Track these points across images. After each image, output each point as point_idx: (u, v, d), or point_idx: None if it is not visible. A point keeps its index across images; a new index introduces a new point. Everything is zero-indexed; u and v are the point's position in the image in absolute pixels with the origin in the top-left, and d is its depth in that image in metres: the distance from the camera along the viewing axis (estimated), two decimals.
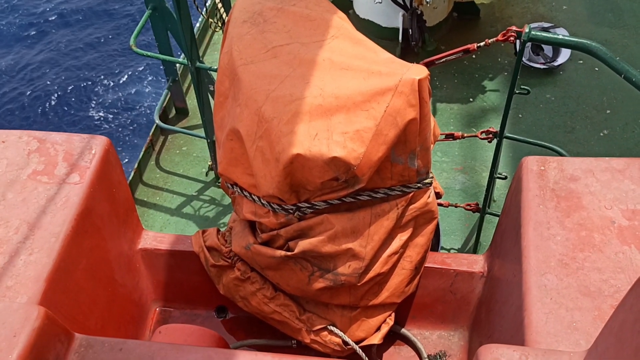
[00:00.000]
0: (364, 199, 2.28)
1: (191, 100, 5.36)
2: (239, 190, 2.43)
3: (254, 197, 2.36)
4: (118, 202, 2.53)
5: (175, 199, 4.83)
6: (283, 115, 2.13)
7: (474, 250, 4.29)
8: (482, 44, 3.38)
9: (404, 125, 2.08)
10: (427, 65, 3.64)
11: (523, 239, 2.15)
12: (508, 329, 2.12)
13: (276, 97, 2.16)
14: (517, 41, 3.24)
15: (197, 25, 5.86)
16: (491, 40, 3.35)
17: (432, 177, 2.39)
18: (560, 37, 3.29)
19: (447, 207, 4.13)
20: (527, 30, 3.14)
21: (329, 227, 2.27)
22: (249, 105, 2.22)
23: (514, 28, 3.27)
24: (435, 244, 3.56)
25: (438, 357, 2.61)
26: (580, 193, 2.24)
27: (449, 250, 4.46)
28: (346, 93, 2.10)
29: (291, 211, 2.29)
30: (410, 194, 2.32)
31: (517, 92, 3.50)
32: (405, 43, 5.62)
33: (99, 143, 2.43)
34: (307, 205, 2.27)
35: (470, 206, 4.05)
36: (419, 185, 2.32)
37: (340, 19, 2.40)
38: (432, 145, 2.59)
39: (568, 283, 2.01)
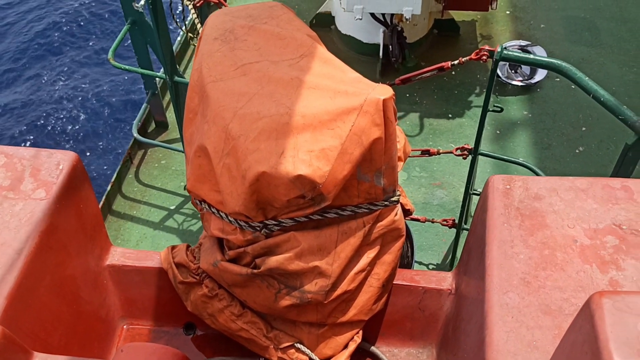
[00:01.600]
0: (331, 216, 2.28)
1: (171, 114, 5.36)
2: (207, 207, 2.43)
3: (221, 214, 2.36)
4: (85, 218, 2.52)
5: (153, 212, 4.81)
6: (250, 132, 2.14)
7: (451, 266, 4.31)
8: (456, 62, 3.43)
9: (369, 144, 2.10)
10: (403, 82, 3.69)
11: (487, 257, 2.17)
12: (472, 347, 2.13)
13: (243, 114, 2.17)
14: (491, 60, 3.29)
15: (178, 39, 5.88)
16: (465, 58, 3.40)
17: (400, 195, 2.40)
18: (532, 57, 3.34)
19: (424, 222, 4.16)
20: (499, 49, 3.19)
21: (295, 244, 2.28)
22: (217, 123, 2.23)
23: (486, 47, 3.32)
24: (409, 259, 3.57)
25: None
26: (545, 212, 2.27)
27: (427, 265, 4.47)
28: (313, 112, 2.11)
29: (258, 228, 2.29)
30: (377, 212, 2.33)
31: (490, 109, 3.55)
32: (386, 59, 5.68)
33: (66, 158, 2.42)
34: (274, 222, 2.27)
35: (447, 222, 4.08)
36: (385, 203, 2.33)
37: (310, 37, 2.42)
38: (401, 163, 2.61)
39: (529, 301, 2.02)
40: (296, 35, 2.40)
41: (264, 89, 2.22)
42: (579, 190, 2.33)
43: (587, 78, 3.08)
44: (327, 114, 2.09)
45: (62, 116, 7.78)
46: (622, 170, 2.99)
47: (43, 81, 8.35)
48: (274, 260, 2.29)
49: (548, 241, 2.18)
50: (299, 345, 2.49)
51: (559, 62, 3.18)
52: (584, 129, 5.25)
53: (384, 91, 2.11)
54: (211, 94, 2.28)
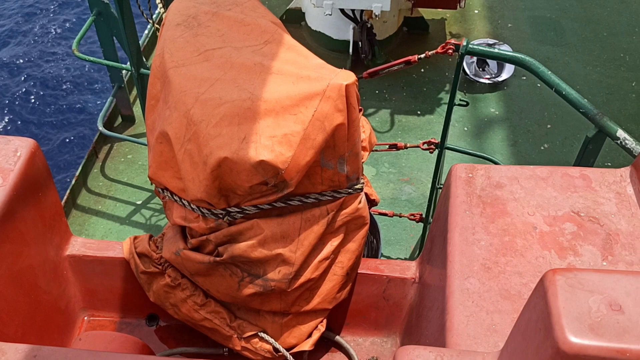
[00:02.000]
0: (295, 204, 2.27)
1: (138, 108, 5.29)
2: (169, 195, 2.40)
3: (183, 201, 2.33)
4: (44, 206, 2.46)
5: (119, 207, 4.74)
6: (212, 118, 2.12)
7: None
8: (422, 55, 3.46)
9: (332, 129, 2.10)
10: (371, 75, 3.70)
11: (449, 244, 2.18)
12: (433, 332, 2.14)
13: (205, 100, 2.15)
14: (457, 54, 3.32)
15: (146, 32, 5.80)
16: (431, 52, 3.42)
17: (364, 183, 2.41)
18: (496, 50, 3.39)
19: (392, 217, 4.18)
20: (464, 43, 3.22)
21: (258, 232, 2.26)
22: (178, 108, 2.20)
23: (452, 41, 3.35)
24: (376, 251, 3.58)
25: None
26: (505, 200, 2.29)
27: (395, 259, 4.49)
28: (275, 97, 2.10)
29: (221, 216, 2.27)
30: (341, 199, 2.33)
31: (456, 103, 3.59)
32: (356, 55, 5.70)
33: (24, 145, 2.37)
34: (237, 210, 2.25)
35: (415, 216, 4.11)
36: (349, 190, 2.33)
37: (274, 24, 2.41)
38: (367, 153, 2.62)
39: (489, 287, 2.04)
40: (260, 22, 2.39)
41: (227, 74, 2.20)
42: (539, 179, 2.36)
43: (549, 72, 3.14)
44: (289, 99, 2.08)
45: (26, 108, 7.61)
46: (583, 162, 3.05)
47: (7, 71, 8.15)
48: (236, 248, 2.27)
49: (508, 228, 2.21)
50: (262, 335, 2.47)
51: (522, 56, 3.23)
52: (549, 126, 5.35)
53: (347, 77, 2.11)
54: (173, 79, 2.25)
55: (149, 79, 2.42)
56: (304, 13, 6.10)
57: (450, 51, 3.35)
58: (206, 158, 2.10)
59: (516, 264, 2.10)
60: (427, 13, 6.19)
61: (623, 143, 2.86)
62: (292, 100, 2.08)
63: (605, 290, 1.32)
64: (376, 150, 4.21)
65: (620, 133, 2.88)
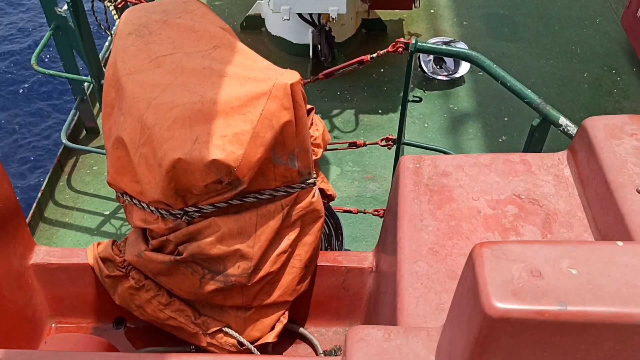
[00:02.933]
0: (251, 200, 2.36)
1: (101, 120, 5.31)
2: (129, 199, 2.47)
3: (142, 204, 2.40)
4: (5, 217, 2.50)
5: (86, 218, 4.76)
6: (164, 121, 2.20)
7: None
8: (374, 55, 3.58)
9: (280, 127, 2.19)
10: (326, 76, 3.82)
11: (399, 232, 2.29)
12: (387, 316, 2.24)
13: (158, 104, 2.23)
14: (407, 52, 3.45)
15: (107, 44, 5.83)
16: (382, 51, 3.55)
17: (316, 177, 2.50)
18: (443, 47, 3.53)
19: (357, 213, 4.29)
20: (413, 41, 3.35)
21: (216, 229, 2.34)
22: (132, 114, 2.27)
23: (402, 40, 3.48)
24: (339, 248, 3.68)
25: (333, 352, 2.71)
26: (451, 187, 2.41)
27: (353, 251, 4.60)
28: (224, 98, 2.19)
29: (179, 216, 2.34)
30: (295, 194, 2.42)
31: (410, 100, 3.72)
32: (316, 59, 5.80)
33: None
34: (194, 209, 2.33)
35: (378, 212, 4.22)
36: (302, 185, 2.42)
37: (223, 30, 2.50)
38: (320, 150, 2.71)
39: (437, 269, 2.15)
40: (209, 28, 2.48)
41: (178, 79, 2.29)
42: (483, 166, 2.48)
43: (495, 66, 3.28)
44: (238, 100, 2.17)
45: None
46: (530, 150, 3.20)
47: None
48: (196, 246, 2.35)
49: (454, 213, 2.33)
50: (226, 329, 2.55)
51: (469, 51, 3.37)
52: (506, 119, 5.52)
53: (291, 76, 2.21)
54: (126, 86, 2.32)
55: (104, 87, 2.48)
56: (263, 19, 6.19)
57: (400, 50, 3.48)
58: (161, 160, 2.18)
59: (462, 246, 2.22)
60: (385, 15, 6.34)
61: (565, 129, 3.01)
62: (241, 101, 2.17)
63: (527, 259, 1.44)
64: (338, 149, 4.32)
65: (563, 120, 3.03)
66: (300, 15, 5.55)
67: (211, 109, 2.17)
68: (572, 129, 3.00)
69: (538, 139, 3.22)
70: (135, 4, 3.60)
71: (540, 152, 3.20)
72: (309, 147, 2.38)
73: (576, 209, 2.32)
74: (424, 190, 2.41)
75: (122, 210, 4.81)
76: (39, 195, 4.73)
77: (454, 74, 5.79)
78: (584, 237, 2.23)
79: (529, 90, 3.14)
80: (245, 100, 2.17)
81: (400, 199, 2.40)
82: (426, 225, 2.29)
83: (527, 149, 3.23)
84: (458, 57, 3.52)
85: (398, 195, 2.42)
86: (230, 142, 2.14)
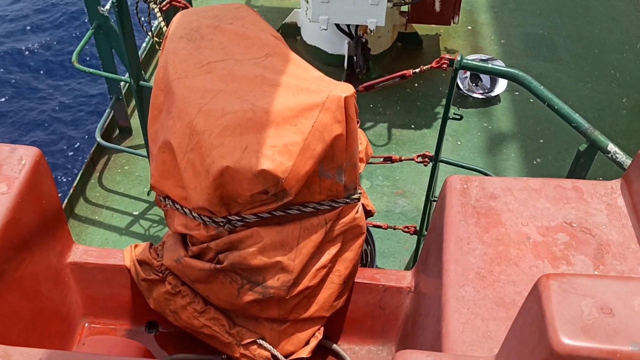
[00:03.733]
0: (294, 213, 2.33)
1: (135, 120, 5.34)
2: (171, 203, 2.44)
3: (185, 209, 2.38)
4: (47, 214, 2.50)
5: (116, 217, 4.77)
6: (214, 128, 2.17)
7: None
8: (417, 70, 3.54)
9: (331, 140, 2.16)
10: (366, 89, 3.77)
11: (444, 253, 2.24)
12: (429, 339, 2.19)
13: (208, 110, 2.21)
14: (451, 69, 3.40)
15: (144, 45, 5.87)
16: (426, 67, 3.50)
17: (361, 193, 2.46)
18: (490, 66, 3.48)
19: (386, 229, 4.23)
20: (459, 58, 3.31)
21: (258, 240, 2.31)
22: (182, 118, 2.25)
23: (447, 56, 3.43)
24: (370, 261, 3.63)
25: None
26: (500, 210, 2.35)
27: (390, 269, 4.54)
28: (276, 108, 2.16)
29: (221, 224, 2.31)
30: (339, 209, 2.38)
31: (450, 117, 3.66)
32: (350, 70, 5.79)
33: (29, 154, 2.41)
34: (237, 218, 2.30)
35: (409, 229, 4.16)
36: (347, 200, 2.38)
37: (274, 38, 2.48)
38: (363, 165, 2.68)
39: (484, 295, 2.09)
40: (261, 36, 2.45)
41: (229, 86, 2.26)
42: (532, 190, 2.42)
43: (542, 87, 3.22)
44: (289, 110, 2.14)
45: (26, 119, 7.66)
46: (575, 175, 3.12)
47: (8, 82, 8.20)
48: (236, 256, 2.32)
49: (503, 238, 2.27)
50: (261, 342, 2.51)
51: (515, 71, 3.32)
52: (541, 141, 5.44)
53: (346, 89, 2.17)
54: (176, 90, 2.30)
55: (152, 90, 2.47)
56: (299, 28, 6.19)
57: (444, 66, 3.43)
58: (208, 167, 2.16)
59: (510, 272, 2.16)
60: (421, 29, 6.30)
61: (614, 156, 2.94)
62: (293, 112, 2.14)
63: (597, 294, 1.38)
64: (371, 163, 4.28)
65: (611, 147, 2.96)
66: (337, 25, 5.54)
67: (262, 118, 2.15)
68: (621, 156, 2.93)
69: (584, 164, 3.14)
70: (181, 7, 3.60)
71: (584, 177, 3.12)
72: (357, 162, 2.34)
73: (630, 241, 2.25)
74: (471, 212, 2.35)
75: (152, 210, 4.82)
76: (71, 191, 4.76)
77: (490, 92, 5.73)
78: (638, 271, 2.15)
79: (577, 115, 3.07)
80: (297, 111, 2.14)
81: (446, 220, 2.34)
82: (473, 249, 2.23)
83: (571, 174, 3.16)
84: (504, 76, 3.47)
85: (444, 216, 2.37)
86: (280, 152, 2.11)
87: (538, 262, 2.20)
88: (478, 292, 2.10)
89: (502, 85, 5.72)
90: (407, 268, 4.55)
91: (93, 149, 5.08)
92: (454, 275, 2.15)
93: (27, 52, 8.68)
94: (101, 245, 4.53)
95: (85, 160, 5.03)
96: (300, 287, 2.39)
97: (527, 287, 2.13)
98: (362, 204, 2.65)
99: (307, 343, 2.56)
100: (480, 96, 5.73)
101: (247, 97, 2.21)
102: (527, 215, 2.34)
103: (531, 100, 5.67)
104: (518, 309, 2.06)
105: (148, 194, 4.90)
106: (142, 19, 4.54)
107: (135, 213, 4.82)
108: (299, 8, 6.10)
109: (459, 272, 2.16)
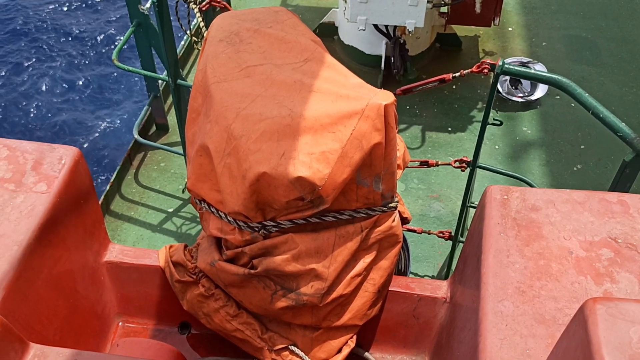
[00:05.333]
0: (330, 220, 2.30)
1: (172, 117, 5.38)
2: (207, 207, 2.45)
3: (220, 213, 2.38)
4: (85, 213, 2.53)
5: (151, 214, 4.82)
6: (252, 133, 2.16)
7: (446, 278, 4.32)
8: (457, 74, 3.46)
9: (369, 148, 2.12)
10: (405, 92, 3.72)
11: (483, 266, 2.18)
12: (465, 354, 2.14)
13: (246, 115, 2.20)
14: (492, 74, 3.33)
15: (182, 43, 5.91)
16: (466, 71, 3.43)
17: (398, 202, 2.42)
18: (532, 71, 3.38)
19: (420, 233, 4.17)
20: (500, 63, 3.23)
21: (293, 246, 2.29)
22: (219, 122, 2.25)
23: (488, 60, 3.35)
24: (404, 268, 3.58)
25: None
26: (541, 223, 2.29)
27: (421, 277, 4.48)
28: (314, 115, 2.13)
29: (257, 229, 2.30)
30: (375, 217, 2.35)
31: (489, 123, 3.58)
32: (388, 71, 5.72)
33: (68, 153, 2.44)
34: (272, 223, 2.29)
35: (443, 234, 4.09)
36: (383, 208, 2.35)
37: (314, 42, 2.45)
38: (400, 171, 2.64)
39: (524, 310, 2.03)
40: (300, 40, 2.43)
41: (267, 91, 2.25)
42: (576, 203, 2.35)
43: (587, 94, 3.12)
44: (328, 117, 2.11)
45: (65, 115, 7.83)
46: (619, 186, 3.02)
47: (48, 79, 8.39)
48: (271, 261, 2.31)
49: (544, 252, 2.20)
50: (293, 348, 2.49)
51: (559, 77, 3.22)
52: (582, 147, 5.29)
53: (386, 97, 2.14)
54: (215, 94, 2.30)
55: (191, 92, 2.48)
56: (337, 27, 6.15)
57: (485, 71, 3.36)
58: (245, 172, 2.15)
59: (551, 288, 2.09)
60: (460, 30, 6.20)
61: None
62: (331, 119, 2.12)
63: None
64: (407, 167, 4.23)
65: None
66: (375, 26, 5.48)
67: (300, 124, 2.13)
68: None
69: (629, 175, 3.03)
70: (220, 7, 3.61)
71: (629, 189, 3.02)
72: (395, 170, 2.30)
73: None
74: (512, 224, 2.29)
75: (186, 208, 4.85)
76: (108, 187, 4.83)
77: (530, 96, 5.60)
78: None
79: (623, 124, 2.97)
80: (336, 119, 2.11)
81: (485, 231, 2.29)
82: (513, 262, 2.17)
83: (615, 185, 3.05)
84: (547, 82, 3.37)
85: (483, 226, 2.31)
86: (318, 160, 2.09)
87: (580, 278, 2.13)
88: (517, 308, 2.05)
89: (542, 88, 5.58)
90: (440, 273, 4.48)
91: (130, 145, 5.14)
92: (492, 289, 2.10)
93: (69, 52, 8.87)
94: (136, 242, 4.58)
95: (123, 157, 5.09)
96: (334, 294, 2.37)
97: (568, 304, 2.06)
98: (398, 211, 2.61)
99: (339, 351, 2.54)
100: (519, 100, 5.60)
101: (285, 103, 2.19)
102: (570, 229, 2.26)
103: (572, 105, 5.52)
104: (559, 326, 2.00)
105: (183, 192, 4.93)
106: (181, 16, 4.57)
107: (170, 210, 4.86)
108: (337, 7, 6.06)
109: (497, 286, 2.11)
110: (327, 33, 6.20)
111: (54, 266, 2.35)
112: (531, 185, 3.64)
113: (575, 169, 5.10)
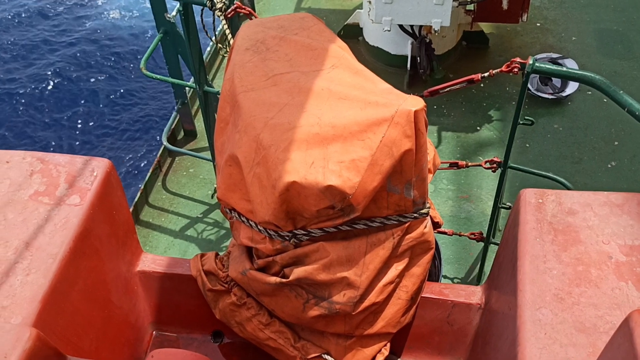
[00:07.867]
0: (360, 227, 2.28)
1: (199, 123, 5.41)
2: (237, 216, 2.45)
3: (251, 222, 2.38)
4: (118, 224, 2.55)
5: (181, 220, 4.85)
6: (280, 142, 2.15)
7: (478, 280, 4.26)
8: (486, 74, 3.40)
9: (400, 155, 2.09)
10: (432, 94, 3.67)
11: (519, 272, 2.14)
12: None
13: (274, 124, 2.19)
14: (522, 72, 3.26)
15: (208, 50, 5.95)
16: (495, 71, 3.36)
17: (429, 207, 2.39)
18: (564, 69, 3.30)
19: (452, 235, 4.12)
20: (530, 62, 3.15)
21: (324, 255, 2.28)
22: (248, 132, 2.25)
23: (518, 59, 3.28)
24: (436, 272, 3.54)
25: None
26: (578, 227, 2.23)
27: (452, 279, 4.42)
28: (343, 122, 2.11)
29: (287, 238, 2.29)
30: (407, 224, 2.32)
31: (521, 122, 3.51)
32: (414, 71, 5.67)
33: (100, 165, 2.47)
34: (303, 232, 2.27)
35: (475, 235, 4.03)
36: (415, 215, 2.31)
37: (340, 48, 2.43)
38: (430, 175, 2.60)
39: (563, 318, 1.98)
40: (327, 47, 2.41)
41: (295, 99, 2.24)
42: (614, 206, 2.28)
43: (621, 91, 3.03)
44: (357, 125, 2.09)
45: (94, 123, 7.96)
46: None
47: (76, 89, 8.54)
48: (302, 270, 2.30)
49: (582, 257, 2.15)
50: (326, 356, 2.48)
51: (592, 74, 3.13)
52: (616, 143, 5.16)
53: (416, 102, 2.10)
54: (243, 103, 2.30)
55: (219, 102, 2.48)
56: (361, 28, 6.12)
57: (515, 70, 3.29)
58: (275, 182, 2.14)
59: (591, 295, 2.04)
60: (487, 27, 6.11)
61: None
62: (360, 126, 2.09)
63: None
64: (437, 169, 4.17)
65: None
66: (400, 26, 5.43)
67: (329, 132, 2.11)
68: None
69: None
70: (246, 14, 3.61)
71: None
72: (426, 176, 2.27)
73: None
74: (548, 228, 2.24)
75: (215, 214, 4.87)
76: (138, 195, 4.87)
77: (561, 92, 5.48)
78: None
79: None
80: (365, 126, 2.09)
81: (520, 236, 2.24)
82: (550, 268, 2.12)
83: None
84: (580, 80, 3.29)
85: (518, 232, 2.26)
86: (347, 168, 2.07)
87: (621, 284, 2.06)
88: (556, 315, 2.00)
89: (573, 85, 5.46)
90: (471, 275, 4.42)
91: (159, 152, 5.18)
92: (529, 296, 2.05)
93: (97, 61, 9.02)
94: (167, 248, 4.62)
95: (152, 164, 5.13)
96: (367, 302, 2.35)
97: (609, 311, 2.00)
98: (430, 216, 2.57)
99: (373, 359, 2.51)
100: (550, 96, 5.49)
101: (314, 111, 2.17)
102: (608, 233, 2.20)
103: (605, 100, 5.39)
104: (600, 335, 1.95)
105: (212, 197, 4.96)
106: (207, 24, 4.59)
107: (200, 216, 4.89)
108: (361, 9, 6.02)
109: (535, 293, 2.06)
110: (352, 34, 6.17)
111: (88, 277, 2.38)
112: (565, 185, 3.56)
113: (609, 166, 4.98)
